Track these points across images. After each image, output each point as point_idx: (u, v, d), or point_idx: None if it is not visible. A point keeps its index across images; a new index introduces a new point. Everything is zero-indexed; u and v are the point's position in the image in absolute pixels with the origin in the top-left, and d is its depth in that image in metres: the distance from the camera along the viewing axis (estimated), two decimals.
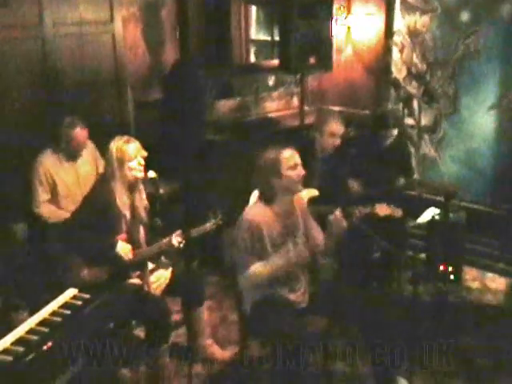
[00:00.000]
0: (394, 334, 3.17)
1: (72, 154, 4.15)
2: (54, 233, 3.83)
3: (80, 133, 4.06)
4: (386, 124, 4.43)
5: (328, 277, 3.77)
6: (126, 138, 3.37)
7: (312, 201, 3.67)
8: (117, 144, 3.33)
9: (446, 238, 3.83)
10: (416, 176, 4.87)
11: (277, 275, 3.06)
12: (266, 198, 3.13)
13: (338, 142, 4.07)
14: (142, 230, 3.45)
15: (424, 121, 5.40)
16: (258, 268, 3.03)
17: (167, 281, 3.50)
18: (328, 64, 4.90)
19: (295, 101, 5.98)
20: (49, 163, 4.09)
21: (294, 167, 3.09)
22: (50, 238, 3.97)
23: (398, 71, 5.51)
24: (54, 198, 4.11)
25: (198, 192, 4.79)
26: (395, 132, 4.39)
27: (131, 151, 3.30)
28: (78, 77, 4.56)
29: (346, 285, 3.51)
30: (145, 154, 3.37)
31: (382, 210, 3.79)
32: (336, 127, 4.06)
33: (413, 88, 5.41)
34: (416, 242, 4.36)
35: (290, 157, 3.10)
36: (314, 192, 3.70)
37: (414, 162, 5.27)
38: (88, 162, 4.25)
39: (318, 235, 3.30)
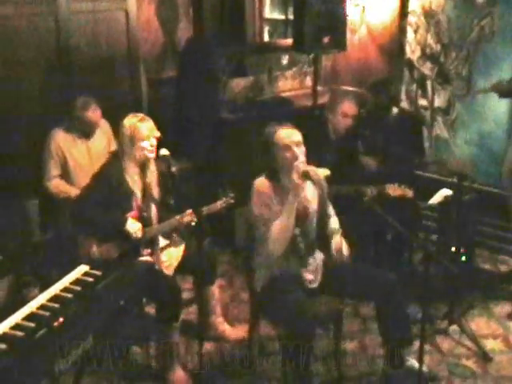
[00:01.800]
0: (405, 313, 3.13)
1: (85, 133, 4.12)
2: (65, 208, 3.79)
3: (93, 114, 4.03)
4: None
5: (340, 257, 3.71)
6: (140, 116, 3.31)
7: (325, 181, 3.60)
8: (130, 122, 3.28)
9: (458, 219, 3.77)
10: (428, 157, 4.81)
11: (292, 219, 2.93)
12: (269, 174, 3.05)
13: (351, 122, 4.03)
14: (154, 208, 3.41)
15: (437, 102, 5.36)
16: (276, 224, 2.94)
17: (178, 259, 3.46)
18: (342, 44, 4.81)
19: (308, 80, 5.91)
20: (61, 139, 4.06)
21: (289, 147, 2.94)
22: (61, 214, 3.95)
23: (412, 52, 5.43)
24: (65, 175, 4.09)
25: (211, 171, 4.76)
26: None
27: (144, 131, 3.25)
28: (90, 54, 4.51)
29: (358, 265, 3.45)
30: (158, 134, 3.32)
31: (394, 190, 3.75)
32: (349, 107, 4.03)
33: (427, 69, 5.34)
34: (428, 223, 4.31)
35: (284, 136, 2.96)
36: (326, 171, 3.65)
37: (426, 144, 5.21)
38: (101, 140, 4.21)
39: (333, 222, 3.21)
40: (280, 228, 2.94)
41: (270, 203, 3.00)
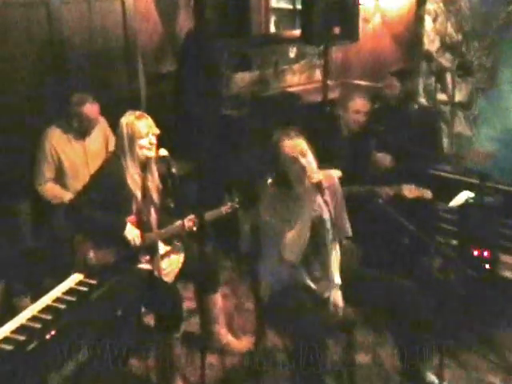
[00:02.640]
0: (423, 325, 3.11)
1: (82, 131, 4.13)
2: (60, 212, 3.81)
3: (90, 109, 4.05)
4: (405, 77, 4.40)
5: (352, 262, 3.71)
6: (138, 113, 3.34)
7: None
8: (127, 120, 3.30)
9: (481, 223, 3.77)
10: (448, 155, 4.80)
11: (308, 228, 2.97)
12: (278, 179, 3.06)
13: (363, 118, 4.03)
14: (153, 212, 3.42)
15: (458, 96, 5.34)
16: (291, 233, 2.97)
17: (179, 266, 3.47)
18: (354, 34, 4.82)
19: (318, 74, 5.93)
20: (55, 139, 4.08)
21: (296, 160, 2.96)
22: (55, 218, 3.96)
23: (431, 42, 5.43)
24: (59, 178, 4.11)
25: (214, 172, 4.78)
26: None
27: (142, 128, 3.27)
28: (85, 47, 4.54)
29: (371, 271, 3.45)
30: (157, 131, 3.34)
31: (410, 192, 3.74)
32: (361, 103, 4.03)
33: (446, 61, 5.34)
34: (447, 227, 4.31)
35: (290, 148, 2.97)
36: (337, 173, 3.65)
37: (446, 141, 5.19)
38: (98, 140, 4.23)
39: (345, 226, 3.22)
40: (294, 238, 2.97)
41: (281, 210, 3.02)
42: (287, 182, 3.04)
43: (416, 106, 4.35)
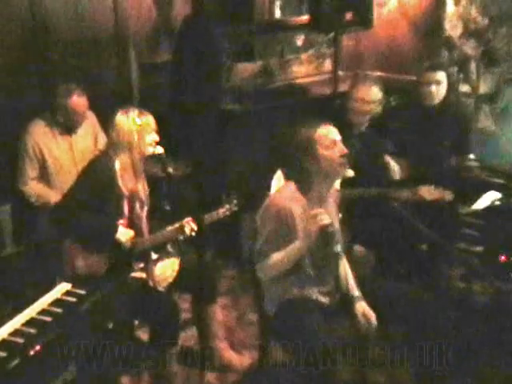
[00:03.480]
0: (443, 340, 3.11)
1: (68, 126, 4.15)
2: (44, 215, 3.84)
3: (78, 101, 4.06)
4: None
5: (364, 272, 3.73)
6: (138, 110, 3.37)
7: (347, 183, 3.63)
8: (127, 116, 3.32)
9: (508, 227, 3.77)
10: (472, 154, 4.79)
11: (295, 260, 3.01)
12: (301, 186, 3.09)
13: (372, 109, 4.02)
14: (144, 215, 3.45)
15: (483, 88, 5.32)
16: (277, 257, 3.02)
17: (175, 274, 3.50)
18: (367, 20, 4.83)
19: (327, 64, 5.93)
20: (39, 135, 4.10)
21: (333, 146, 3.04)
22: (40, 222, 3.99)
23: (453, 28, 5.41)
24: (44, 176, 4.13)
25: (213, 171, 4.79)
26: (441, 87, 4.28)
27: (147, 125, 3.32)
28: (71, 34, 4.54)
29: (386, 280, 3.47)
30: (155, 128, 3.38)
31: (429, 193, 3.75)
32: (369, 91, 4.02)
33: (470, 48, 5.32)
34: (471, 232, 4.31)
35: (326, 134, 3.05)
36: (350, 173, 3.67)
37: (469, 137, 5.18)
38: (86, 136, 4.26)
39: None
40: (278, 263, 3.01)
41: (292, 225, 3.04)
42: (309, 181, 3.07)
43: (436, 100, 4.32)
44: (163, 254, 3.52)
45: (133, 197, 3.40)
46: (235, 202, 3.51)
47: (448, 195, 3.78)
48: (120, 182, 3.33)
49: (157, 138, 3.36)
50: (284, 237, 3.03)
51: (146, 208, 3.46)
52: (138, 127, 3.29)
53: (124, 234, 3.33)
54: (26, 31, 4.37)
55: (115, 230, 3.30)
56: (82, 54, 4.60)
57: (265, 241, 3.05)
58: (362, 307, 3.09)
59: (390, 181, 4.04)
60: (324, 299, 3.17)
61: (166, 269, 3.49)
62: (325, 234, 2.92)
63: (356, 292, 3.15)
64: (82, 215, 3.27)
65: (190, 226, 3.35)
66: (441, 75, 4.22)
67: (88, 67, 4.64)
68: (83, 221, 3.28)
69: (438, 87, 4.20)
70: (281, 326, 3.16)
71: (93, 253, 3.33)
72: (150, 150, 3.35)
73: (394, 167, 4.18)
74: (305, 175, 3.07)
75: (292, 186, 3.11)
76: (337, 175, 3.10)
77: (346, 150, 3.04)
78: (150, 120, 3.36)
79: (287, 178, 3.19)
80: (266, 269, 3.06)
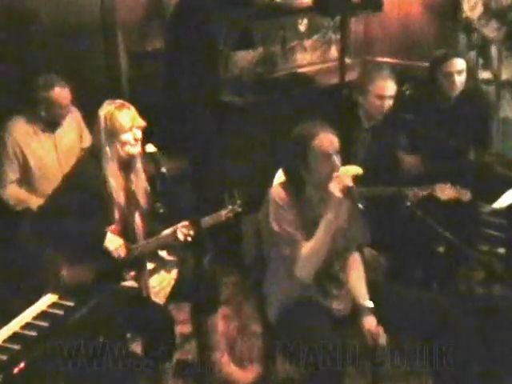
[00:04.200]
0: (463, 349, 3.12)
1: (51, 122, 4.16)
2: (26, 221, 3.84)
3: (60, 93, 4.06)
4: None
5: (375, 276, 3.74)
6: (118, 102, 3.37)
7: (355, 181, 3.63)
8: (106, 111, 3.33)
9: None
10: (493, 147, 4.79)
11: (330, 239, 3.03)
12: (293, 186, 3.12)
13: (387, 105, 4.02)
14: (138, 219, 3.46)
15: (505, 74, 5.31)
16: (309, 246, 3.02)
17: (171, 283, 3.51)
18: (377, 2, 4.82)
19: (333, 51, 5.92)
20: (19, 133, 4.10)
21: (329, 157, 3.04)
22: (21, 229, 3.98)
23: (471, 8, 5.40)
24: (26, 179, 4.14)
25: (212, 170, 4.79)
26: (462, 77, 4.29)
27: (124, 121, 3.30)
28: (53, 19, 4.53)
29: (399, 286, 3.48)
30: (142, 123, 3.37)
31: (445, 192, 3.75)
32: (386, 86, 4.01)
33: (491, 30, 5.30)
34: (492, 232, 4.32)
35: (326, 142, 3.05)
36: (357, 170, 3.67)
37: (490, 129, 5.18)
38: (71, 133, 4.27)
39: (361, 232, 3.27)
40: (313, 251, 3.02)
41: (293, 217, 3.08)
42: (302, 183, 3.10)
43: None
44: (159, 263, 3.53)
45: (127, 198, 3.40)
46: (239, 202, 3.52)
47: (465, 195, 3.78)
48: (109, 184, 3.33)
49: (139, 134, 3.33)
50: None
51: (142, 211, 3.46)
52: (109, 125, 3.28)
53: (112, 241, 3.32)
54: (4, 16, 4.35)
55: (102, 238, 3.30)
56: (65, 41, 4.58)
57: (282, 239, 3.06)
58: (368, 323, 3.09)
59: (403, 178, 4.05)
60: (332, 303, 3.18)
61: (163, 279, 3.51)
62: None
63: (365, 302, 3.15)
64: (65, 222, 3.27)
65: (184, 230, 3.35)
66: (462, 63, 4.23)
67: (71, 56, 4.62)
68: (67, 228, 3.28)
69: (460, 77, 4.22)
70: (283, 336, 3.17)
71: (79, 262, 3.33)
72: (127, 150, 3.32)
73: (409, 164, 4.19)
74: (296, 178, 3.10)
75: (287, 186, 3.14)
76: (326, 187, 3.02)
77: (338, 167, 3.03)
78: (129, 114, 3.33)
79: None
80: (303, 265, 3.03)
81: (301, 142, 3.08)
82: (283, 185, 3.17)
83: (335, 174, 2.99)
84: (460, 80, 4.22)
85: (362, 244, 3.35)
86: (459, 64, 4.22)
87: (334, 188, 2.97)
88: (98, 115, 3.33)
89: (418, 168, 4.22)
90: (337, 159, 3.05)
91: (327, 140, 3.06)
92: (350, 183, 2.97)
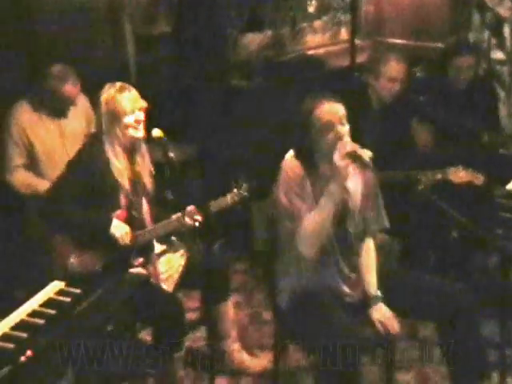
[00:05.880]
0: (478, 337, 3.12)
1: (57, 109, 4.16)
2: (33, 207, 3.83)
3: (71, 90, 4.06)
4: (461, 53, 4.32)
5: (387, 262, 3.72)
6: (118, 85, 3.35)
7: None
8: (107, 94, 3.32)
9: None
10: (506, 129, 4.77)
11: (333, 210, 2.98)
12: (302, 153, 3.08)
13: (399, 87, 4.01)
14: (146, 204, 3.44)
15: None
16: (312, 217, 2.98)
17: (179, 270, 3.49)
18: None
19: (344, 33, 5.90)
20: (25, 119, 4.10)
21: (332, 126, 3.00)
22: (28, 215, 3.99)
23: None
24: (32, 164, 4.13)
25: (220, 155, 4.77)
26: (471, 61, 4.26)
27: (125, 103, 3.28)
28: (58, 3, 4.52)
29: (412, 272, 3.45)
30: (144, 105, 3.35)
31: (458, 175, 3.73)
32: (397, 67, 4.01)
33: (505, 9, 5.26)
34: (507, 215, 4.28)
35: (327, 111, 3.01)
36: (368, 153, 3.65)
37: (503, 110, 5.15)
38: (77, 118, 4.25)
39: (380, 216, 3.23)
40: (314, 223, 2.97)
41: (302, 191, 3.04)
42: (313, 157, 3.06)
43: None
44: (168, 246, 3.52)
45: (134, 184, 3.39)
46: (245, 186, 3.49)
47: (479, 178, 3.76)
48: (114, 169, 3.31)
49: (141, 116, 3.31)
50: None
51: (149, 197, 3.45)
52: (111, 107, 3.27)
53: (118, 227, 3.31)
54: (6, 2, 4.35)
55: (108, 224, 3.29)
56: (70, 26, 4.56)
57: (288, 213, 3.02)
58: (378, 313, 3.07)
59: (415, 161, 4.02)
60: (344, 288, 3.15)
61: (172, 265, 3.49)
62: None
63: (373, 290, 3.13)
64: (71, 209, 3.26)
65: (192, 215, 3.34)
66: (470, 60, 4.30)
67: (77, 41, 4.60)
68: (72, 215, 3.28)
69: (470, 71, 4.30)
70: (295, 323, 3.15)
71: (86, 249, 3.33)
72: (130, 133, 3.30)
73: (422, 139, 4.18)
74: (304, 149, 3.06)
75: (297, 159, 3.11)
76: (338, 153, 2.96)
77: (343, 134, 2.99)
78: (131, 96, 3.30)
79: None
80: (305, 237, 2.99)
81: (305, 114, 3.04)
82: (295, 156, 3.13)
83: (339, 142, 2.95)
84: (469, 73, 4.24)
85: (381, 229, 3.31)
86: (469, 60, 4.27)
87: (337, 156, 2.92)
88: (99, 99, 3.32)
89: (431, 147, 4.21)
90: (341, 128, 3.01)
91: (329, 109, 3.02)
92: (354, 149, 2.92)
